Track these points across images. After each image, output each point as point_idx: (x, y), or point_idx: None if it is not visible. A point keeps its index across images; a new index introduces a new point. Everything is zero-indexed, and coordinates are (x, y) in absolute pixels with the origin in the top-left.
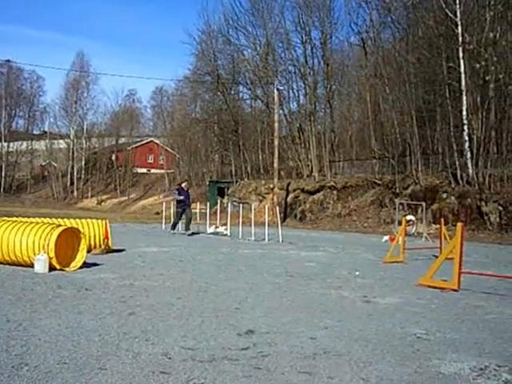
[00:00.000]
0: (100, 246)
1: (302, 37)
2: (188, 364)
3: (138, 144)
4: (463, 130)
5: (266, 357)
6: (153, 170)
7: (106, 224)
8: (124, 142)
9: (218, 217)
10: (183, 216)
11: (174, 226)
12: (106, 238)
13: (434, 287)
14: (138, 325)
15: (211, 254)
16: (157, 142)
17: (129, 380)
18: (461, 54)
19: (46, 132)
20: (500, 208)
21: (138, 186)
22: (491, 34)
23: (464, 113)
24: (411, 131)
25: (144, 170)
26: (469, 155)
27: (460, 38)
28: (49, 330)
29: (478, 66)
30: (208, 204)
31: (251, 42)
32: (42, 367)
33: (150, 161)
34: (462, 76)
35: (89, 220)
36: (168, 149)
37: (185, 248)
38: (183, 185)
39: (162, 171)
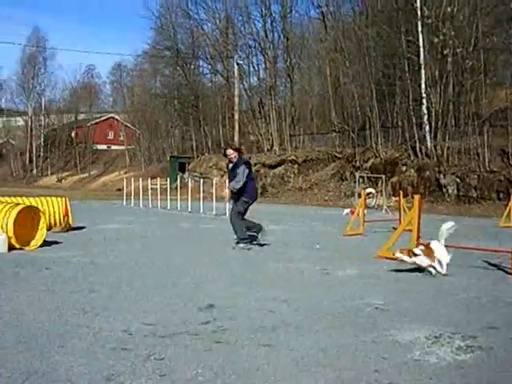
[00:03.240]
0: (60, 223)
1: (261, 10)
2: (149, 340)
3: (98, 120)
4: (422, 104)
5: (226, 330)
6: (113, 147)
7: (65, 201)
8: (83, 119)
9: (179, 193)
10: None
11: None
12: (66, 215)
13: (393, 259)
14: (99, 302)
15: (172, 230)
16: (117, 117)
17: (89, 357)
18: (420, 28)
19: (2, 109)
20: (457, 180)
21: (99, 162)
22: (449, 9)
23: (423, 86)
24: (371, 105)
25: (104, 147)
26: (427, 128)
27: (419, 12)
28: (8, 310)
29: (436, 40)
30: (169, 179)
31: (211, 16)
32: (0, 348)
33: (110, 137)
34: (421, 50)
35: (48, 198)
36: (128, 125)
37: (145, 224)
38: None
39: (122, 147)
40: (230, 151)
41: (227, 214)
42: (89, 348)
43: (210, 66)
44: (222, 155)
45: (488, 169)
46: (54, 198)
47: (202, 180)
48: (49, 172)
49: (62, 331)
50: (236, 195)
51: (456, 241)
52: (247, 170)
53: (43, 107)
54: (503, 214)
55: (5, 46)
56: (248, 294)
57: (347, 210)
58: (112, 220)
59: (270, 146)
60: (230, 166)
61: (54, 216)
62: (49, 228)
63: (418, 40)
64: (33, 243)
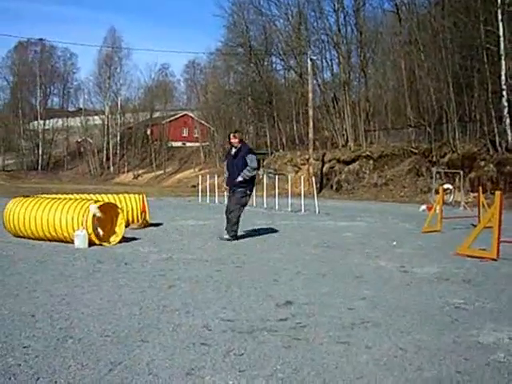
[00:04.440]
0: (138, 220)
1: (334, 5)
2: (228, 335)
3: (173, 118)
4: (502, 96)
5: (304, 327)
6: (188, 144)
7: (143, 198)
8: (158, 116)
9: (255, 188)
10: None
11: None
12: (144, 212)
13: (473, 256)
14: (177, 297)
15: (248, 226)
16: (191, 115)
17: (170, 352)
18: (500, 17)
19: (80, 109)
20: None
21: (174, 159)
22: None
23: (503, 78)
24: (448, 98)
25: (179, 144)
26: (508, 121)
27: (499, 0)
28: (91, 304)
29: None
30: None
31: (283, 12)
32: (85, 340)
33: (184, 134)
34: (501, 40)
35: (126, 195)
36: (202, 122)
37: (221, 221)
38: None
39: (197, 144)
40: (232, 137)
41: (302, 211)
42: (169, 343)
43: (283, 62)
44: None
45: None
46: (131, 195)
47: (276, 176)
48: (125, 169)
49: (142, 325)
50: (241, 186)
51: None
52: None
53: (119, 106)
54: None
55: (82, 47)
56: (326, 291)
57: (423, 207)
58: (188, 216)
59: (344, 142)
60: (233, 151)
61: (132, 212)
62: (127, 224)
63: (497, 29)
64: (112, 239)
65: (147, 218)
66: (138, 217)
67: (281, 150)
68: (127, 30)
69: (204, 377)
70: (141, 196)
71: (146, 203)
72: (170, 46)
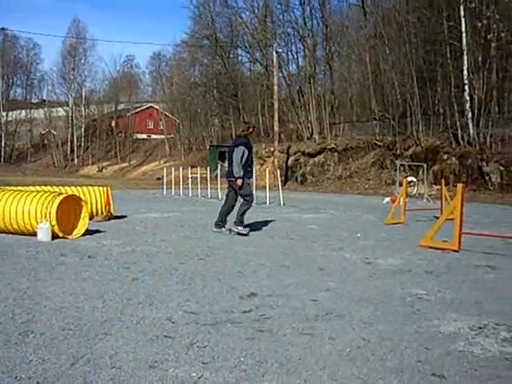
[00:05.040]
0: (102, 212)
1: None
2: (191, 328)
3: (138, 110)
4: (464, 90)
5: (268, 319)
6: (153, 136)
7: (107, 191)
8: (123, 108)
9: (219, 181)
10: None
11: (223, 220)
12: (108, 204)
13: (435, 248)
14: (141, 290)
15: (213, 219)
16: (156, 107)
17: (133, 344)
18: (462, 13)
19: (44, 100)
20: (501, 168)
21: (139, 152)
22: None
23: (465, 72)
24: (412, 92)
25: (144, 136)
26: (470, 115)
27: None
28: (53, 298)
29: (479, 24)
30: (209, 168)
31: (249, 5)
32: (47, 334)
33: (149, 126)
34: (463, 35)
35: (90, 187)
36: (168, 114)
37: (186, 213)
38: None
39: (162, 137)
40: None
41: (267, 203)
42: (132, 335)
43: (248, 55)
44: (243, 136)
45: None
46: (95, 188)
47: None
48: (90, 162)
49: (105, 318)
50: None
51: (499, 230)
52: None
53: (84, 98)
54: None
55: (46, 38)
56: (290, 283)
57: (387, 199)
58: (153, 209)
59: (309, 135)
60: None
61: (96, 205)
62: (91, 217)
63: (460, 25)
64: (75, 232)
65: (111, 210)
66: (102, 209)
67: None
68: (92, 21)
69: (167, 369)
70: (105, 188)
71: (110, 196)
72: (135, 37)
